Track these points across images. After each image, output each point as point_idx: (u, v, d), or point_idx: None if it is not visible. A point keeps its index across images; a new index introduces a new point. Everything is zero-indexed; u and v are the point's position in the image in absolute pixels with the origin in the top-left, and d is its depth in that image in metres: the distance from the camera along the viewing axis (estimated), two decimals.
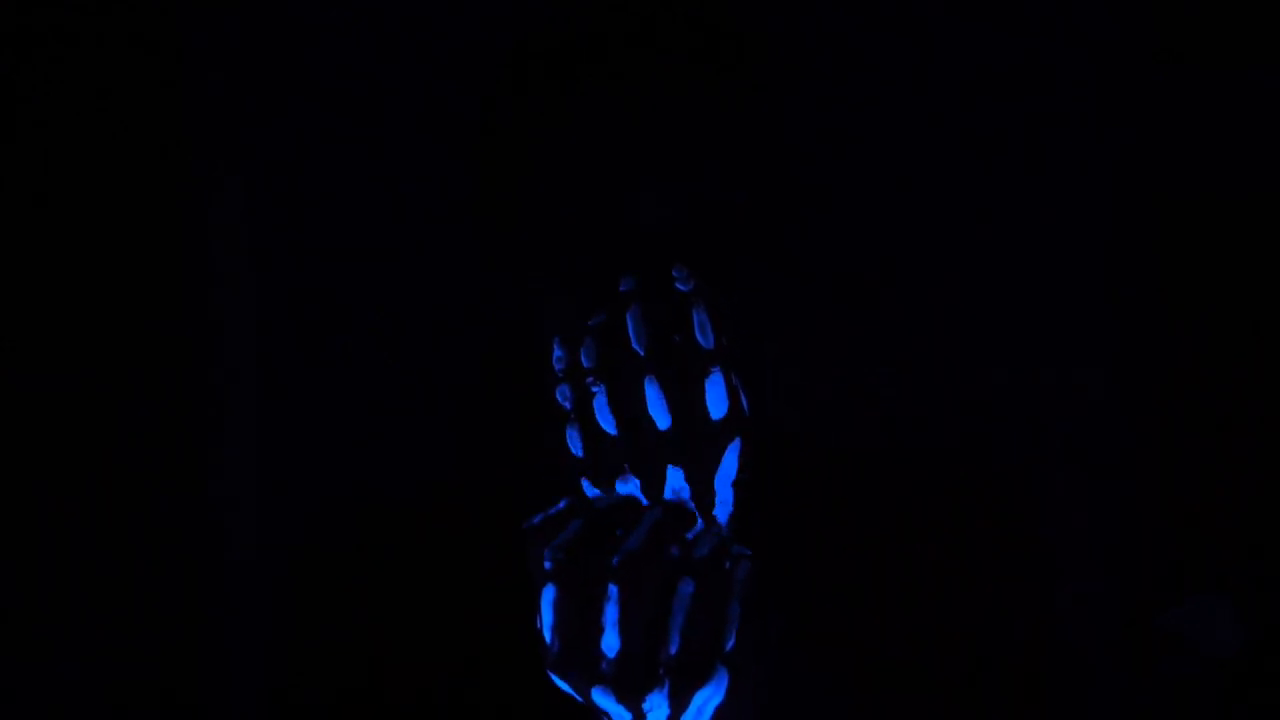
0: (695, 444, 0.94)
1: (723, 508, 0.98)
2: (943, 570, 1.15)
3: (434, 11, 1.53)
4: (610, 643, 0.90)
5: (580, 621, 0.91)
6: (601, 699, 0.91)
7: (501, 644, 1.10)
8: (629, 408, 0.95)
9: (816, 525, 1.13)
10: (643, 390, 0.95)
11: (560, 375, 0.97)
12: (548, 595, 0.91)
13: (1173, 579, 1.58)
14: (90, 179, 1.52)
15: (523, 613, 1.10)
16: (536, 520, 0.95)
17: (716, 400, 0.95)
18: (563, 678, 0.92)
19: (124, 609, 1.52)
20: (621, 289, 0.97)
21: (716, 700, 0.91)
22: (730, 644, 0.91)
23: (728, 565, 0.92)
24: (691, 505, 0.95)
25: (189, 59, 1.52)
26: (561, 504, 0.95)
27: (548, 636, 0.91)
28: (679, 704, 0.91)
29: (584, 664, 0.91)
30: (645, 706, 0.91)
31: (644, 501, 0.95)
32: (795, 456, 1.15)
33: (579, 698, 0.93)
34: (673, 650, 0.90)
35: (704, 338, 0.96)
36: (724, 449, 0.96)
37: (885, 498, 1.16)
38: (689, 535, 0.93)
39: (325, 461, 1.54)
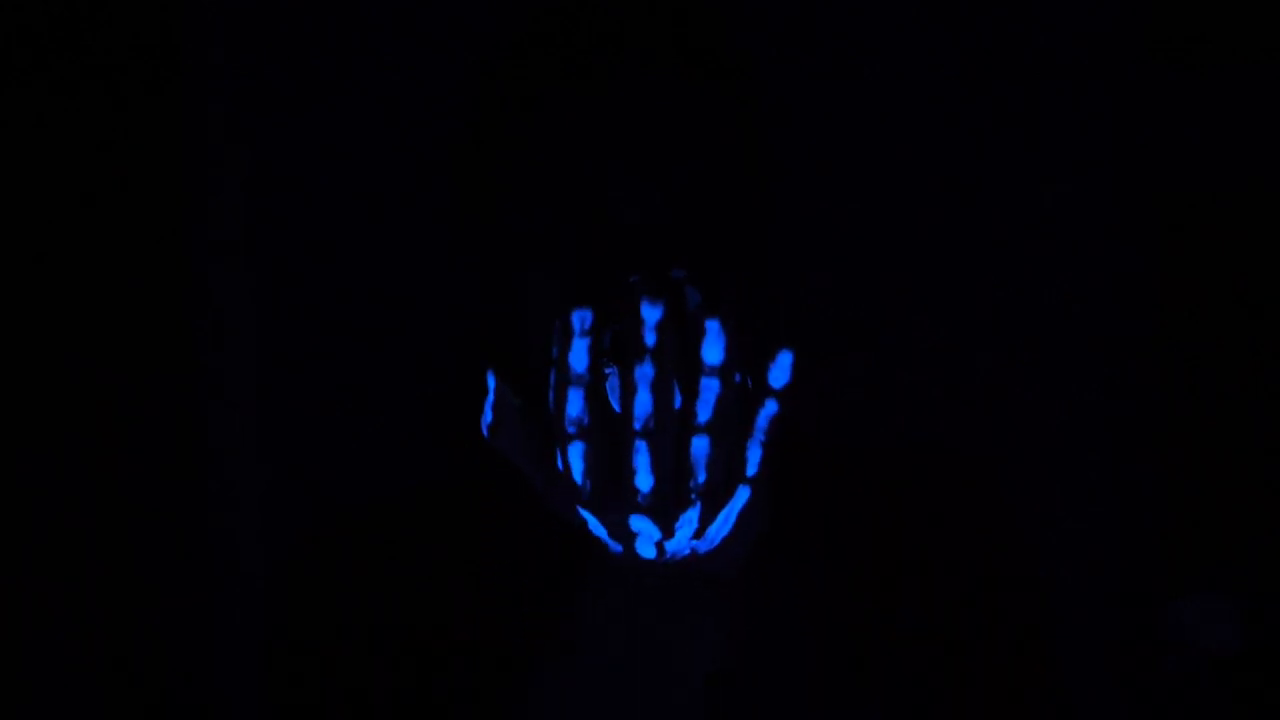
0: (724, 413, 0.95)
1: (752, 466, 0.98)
2: (942, 569, 1.14)
3: (432, 10, 1.54)
4: (644, 481, 0.93)
5: (609, 467, 0.93)
6: (637, 521, 0.94)
7: (499, 643, 1.10)
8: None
9: (815, 524, 1.13)
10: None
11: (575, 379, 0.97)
12: (577, 450, 0.94)
13: (1173, 579, 1.58)
14: (90, 179, 1.52)
15: (520, 611, 1.10)
16: (489, 418, 0.97)
17: (711, 346, 0.96)
18: (597, 513, 0.95)
19: (122, 608, 1.52)
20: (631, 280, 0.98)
21: (740, 505, 0.95)
22: (753, 470, 0.94)
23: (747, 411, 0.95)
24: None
25: (189, 58, 1.53)
26: (489, 379, 0.97)
27: (579, 479, 0.94)
28: (707, 519, 0.94)
29: (617, 500, 0.93)
30: (677, 525, 0.94)
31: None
32: (790, 454, 1.15)
33: (601, 530, 0.95)
34: (700, 480, 0.93)
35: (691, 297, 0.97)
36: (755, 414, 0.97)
37: (884, 496, 1.16)
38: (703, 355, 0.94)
39: (325, 461, 1.54)
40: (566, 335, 0.93)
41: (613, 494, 0.94)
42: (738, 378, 0.95)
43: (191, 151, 1.53)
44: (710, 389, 0.94)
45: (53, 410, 1.51)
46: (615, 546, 0.97)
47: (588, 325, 0.93)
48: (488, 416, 0.97)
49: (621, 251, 1.03)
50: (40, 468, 1.51)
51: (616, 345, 0.97)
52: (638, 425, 0.93)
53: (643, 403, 0.93)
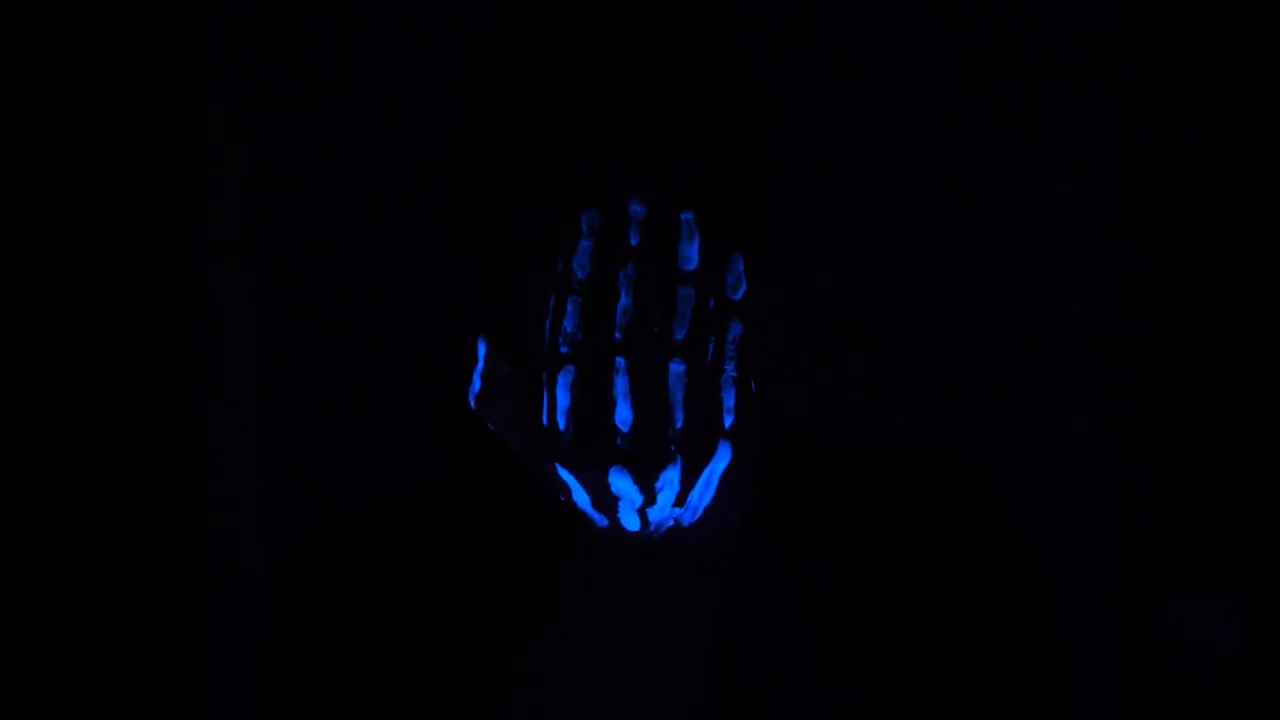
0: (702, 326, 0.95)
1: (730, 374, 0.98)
2: (942, 569, 1.14)
3: (432, 10, 1.54)
4: (623, 415, 0.93)
5: (592, 400, 0.93)
6: (618, 480, 0.94)
7: (498, 642, 1.10)
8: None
9: (814, 523, 1.13)
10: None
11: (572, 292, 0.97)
12: (564, 379, 0.94)
13: (1173, 579, 1.58)
14: (90, 179, 1.52)
15: (519, 610, 1.10)
16: (477, 387, 0.97)
17: (686, 243, 0.96)
18: (576, 466, 0.94)
19: (122, 608, 1.52)
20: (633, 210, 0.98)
21: (721, 469, 0.95)
22: (730, 419, 0.94)
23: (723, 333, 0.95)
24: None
25: (189, 58, 1.53)
26: (480, 347, 0.97)
27: (562, 424, 0.94)
28: (688, 480, 0.94)
29: (597, 446, 0.93)
30: (658, 485, 0.94)
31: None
32: (790, 454, 1.15)
33: (584, 496, 0.95)
34: (678, 424, 0.93)
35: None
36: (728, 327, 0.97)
37: (884, 496, 1.16)
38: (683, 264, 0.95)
39: (325, 461, 1.54)
40: (574, 239, 0.94)
41: (594, 443, 0.94)
42: (712, 304, 0.96)
43: (191, 151, 1.53)
44: (686, 300, 0.94)
45: (53, 410, 1.51)
46: (600, 520, 0.97)
47: (596, 225, 0.94)
48: (476, 385, 0.97)
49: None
50: (40, 468, 1.51)
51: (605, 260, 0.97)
52: (618, 334, 0.93)
53: (624, 309, 0.93)
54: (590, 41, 1.09)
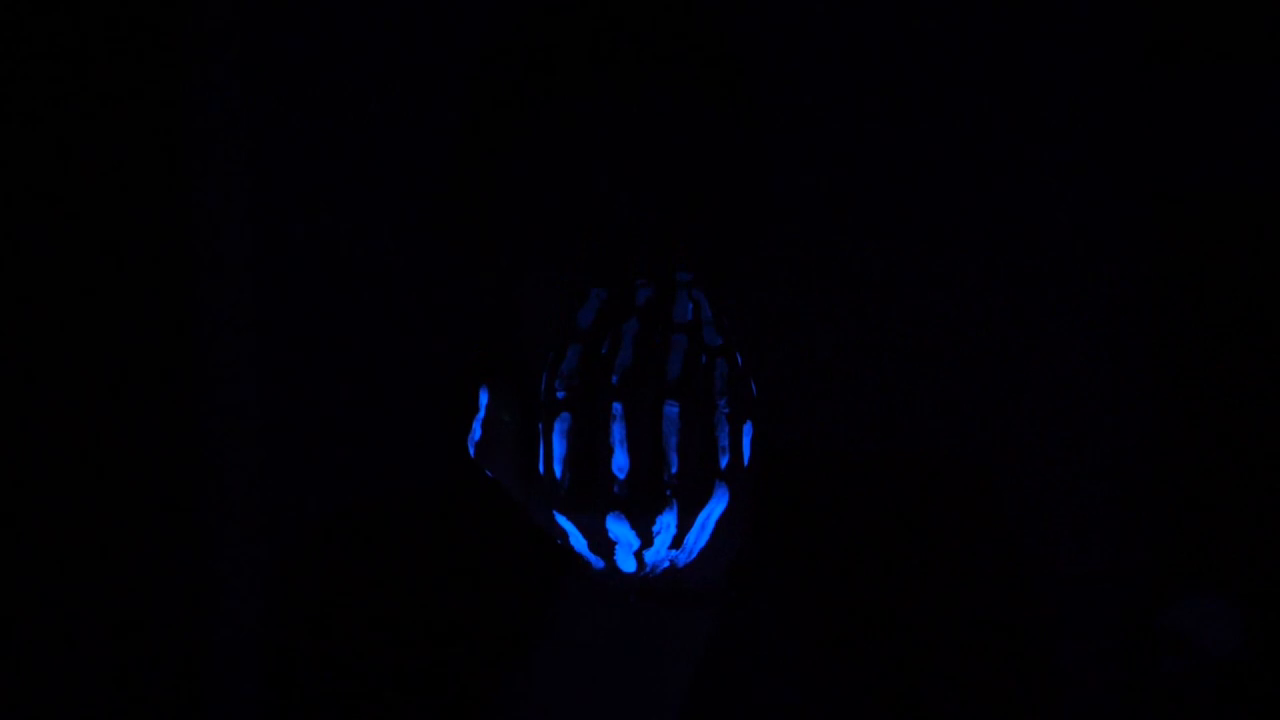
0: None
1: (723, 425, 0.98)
2: (941, 570, 1.14)
3: (432, 12, 1.54)
4: (620, 462, 0.93)
5: (588, 448, 0.93)
6: (615, 525, 0.94)
7: (495, 644, 1.10)
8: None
9: (812, 525, 1.13)
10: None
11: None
12: (561, 426, 0.94)
13: (1173, 579, 1.58)
14: (90, 179, 1.53)
15: (517, 613, 1.10)
16: (477, 435, 0.97)
17: (682, 301, 0.97)
18: (574, 513, 0.94)
19: (122, 608, 1.52)
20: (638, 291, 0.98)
21: (718, 512, 0.95)
22: (725, 460, 0.94)
23: (710, 372, 0.95)
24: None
25: (189, 58, 1.53)
26: (482, 395, 0.97)
27: (558, 471, 0.94)
28: (685, 523, 0.94)
29: (594, 493, 0.93)
30: (655, 529, 0.94)
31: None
32: (788, 456, 1.15)
33: (581, 541, 0.95)
34: (673, 470, 0.93)
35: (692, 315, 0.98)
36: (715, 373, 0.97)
37: (882, 498, 1.16)
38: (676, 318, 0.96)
39: (325, 461, 1.54)
40: (580, 299, 0.94)
41: (590, 488, 0.94)
42: (704, 359, 0.96)
43: (191, 151, 1.53)
44: (679, 346, 0.94)
45: (53, 410, 1.52)
46: (597, 562, 0.96)
47: (603, 298, 0.95)
48: (476, 434, 0.97)
49: (621, 254, 1.03)
50: (40, 468, 1.51)
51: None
52: (615, 377, 0.93)
53: (622, 355, 0.94)
54: (590, 44, 1.09)
